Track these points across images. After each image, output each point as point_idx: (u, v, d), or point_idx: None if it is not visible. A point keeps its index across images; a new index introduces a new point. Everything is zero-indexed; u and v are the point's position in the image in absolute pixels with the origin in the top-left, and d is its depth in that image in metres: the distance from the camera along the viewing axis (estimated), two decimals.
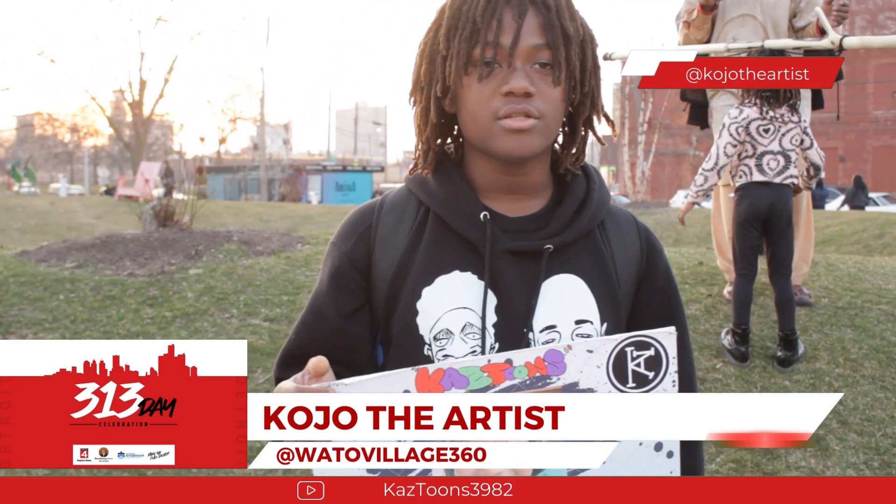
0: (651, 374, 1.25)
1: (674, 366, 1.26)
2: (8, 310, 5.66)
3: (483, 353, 1.35)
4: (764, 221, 5.05)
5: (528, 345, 1.36)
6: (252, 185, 41.72)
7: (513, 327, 1.38)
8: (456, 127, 1.48)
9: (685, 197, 5.29)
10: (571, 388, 1.22)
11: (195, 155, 62.73)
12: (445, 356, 1.37)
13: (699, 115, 6.01)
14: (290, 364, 1.45)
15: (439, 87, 1.40)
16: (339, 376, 1.31)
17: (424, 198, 1.46)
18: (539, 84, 1.34)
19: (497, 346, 1.37)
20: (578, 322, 1.39)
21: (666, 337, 1.26)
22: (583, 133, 1.47)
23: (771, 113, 5.00)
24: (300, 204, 27.94)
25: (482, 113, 1.36)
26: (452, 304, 1.39)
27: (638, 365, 1.24)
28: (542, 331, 1.38)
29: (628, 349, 1.24)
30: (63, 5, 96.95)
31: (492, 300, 1.38)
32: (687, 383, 1.38)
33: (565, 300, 1.40)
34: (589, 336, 1.38)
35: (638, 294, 1.50)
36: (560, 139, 1.49)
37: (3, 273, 6.31)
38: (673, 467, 1.31)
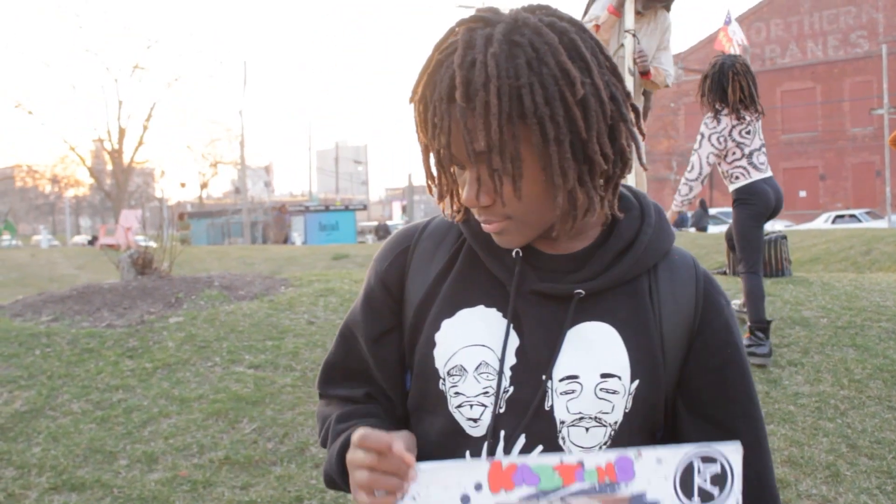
0: (716, 492, 1.21)
1: (738, 484, 1.21)
2: None
3: (497, 395, 1.28)
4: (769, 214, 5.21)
5: (545, 392, 1.28)
6: (235, 229, 41.62)
7: (531, 372, 1.28)
8: None
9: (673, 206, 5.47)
10: (639, 499, 1.19)
11: (178, 201, 62.69)
12: (457, 394, 1.30)
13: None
14: (331, 380, 1.47)
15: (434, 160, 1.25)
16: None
17: (462, 227, 1.37)
18: (503, 187, 1.18)
19: (511, 389, 1.28)
20: (604, 376, 1.27)
21: (732, 452, 1.21)
22: (602, 194, 1.24)
23: (747, 116, 5.18)
24: (284, 246, 27.75)
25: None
26: (470, 339, 1.30)
27: (705, 480, 1.21)
28: (561, 380, 1.27)
29: (695, 461, 1.20)
30: (39, 56, 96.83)
31: (514, 341, 1.29)
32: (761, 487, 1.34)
33: (592, 350, 1.28)
34: (615, 392, 1.28)
35: (689, 355, 1.34)
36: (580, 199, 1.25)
37: None
38: None
